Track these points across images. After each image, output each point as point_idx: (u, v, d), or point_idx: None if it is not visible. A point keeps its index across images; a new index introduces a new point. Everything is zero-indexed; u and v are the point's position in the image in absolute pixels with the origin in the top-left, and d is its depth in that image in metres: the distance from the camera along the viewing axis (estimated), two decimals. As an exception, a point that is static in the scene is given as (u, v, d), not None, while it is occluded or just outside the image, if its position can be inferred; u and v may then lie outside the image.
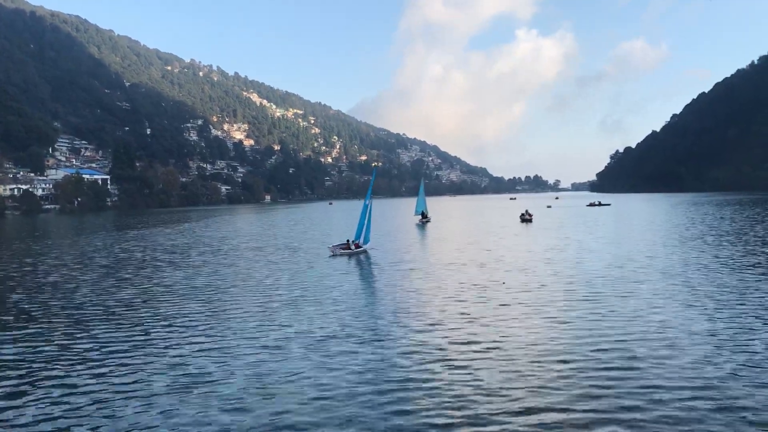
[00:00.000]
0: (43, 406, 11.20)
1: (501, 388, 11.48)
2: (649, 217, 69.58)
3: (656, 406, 10.43)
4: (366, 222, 37.82)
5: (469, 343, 14.73)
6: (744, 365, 12.46)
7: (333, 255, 35.90)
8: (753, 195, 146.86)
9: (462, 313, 18.06)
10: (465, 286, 23.00)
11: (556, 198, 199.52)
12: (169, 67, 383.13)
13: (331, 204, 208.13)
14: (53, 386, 12.28)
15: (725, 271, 24.70)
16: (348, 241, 38.23)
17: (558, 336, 15.17)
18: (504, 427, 9.75)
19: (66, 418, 10.63)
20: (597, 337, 14.88)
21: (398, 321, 17.34)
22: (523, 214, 69.65)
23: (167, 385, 12.14)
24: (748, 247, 33.66)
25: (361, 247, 37.13)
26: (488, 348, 14.24)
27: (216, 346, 15.04)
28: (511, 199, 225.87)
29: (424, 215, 74.84)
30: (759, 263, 26.72)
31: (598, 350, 13.78)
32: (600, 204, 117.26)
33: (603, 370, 12.33)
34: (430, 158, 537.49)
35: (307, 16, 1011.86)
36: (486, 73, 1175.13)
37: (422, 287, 23.36)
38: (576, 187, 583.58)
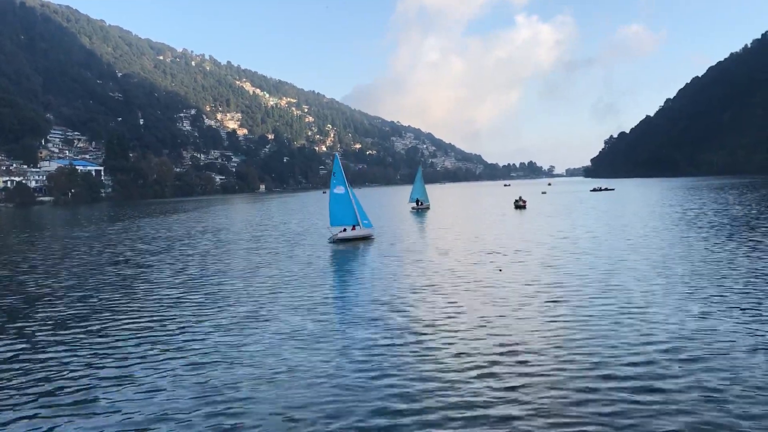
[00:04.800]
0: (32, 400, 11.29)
1: (501, 379, 11.60)
2: (652, 201, 69.76)
3: (653, 395, 10.56)
4: (355, 206, 37.53)
5: (467, 331, 14.85)
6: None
7: (332, 241, 36.05)
8: (748, 179, 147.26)
9: (462, 303, 18.14)
10: (462, 274, 23.12)
11: (549, 184, 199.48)
12: (161, 57, 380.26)
13: (324, 193, 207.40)
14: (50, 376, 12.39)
15: (742, 259, 24.82)
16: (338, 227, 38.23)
17: (554, 322, 15.31)
18: (505, 421, 9.86)
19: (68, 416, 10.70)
20: (588, 321, 15.05)
21: (394, 311, 17.43)
22: (516, 201, 69.78)
23: (165, 380, 12.23)
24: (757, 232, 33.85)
25: (363, 230, 37.18)
26: (486, 336, 14.37)
27: (211, 341, 15.12)
28: (505, 185, 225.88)
29: (418, 202, 75.07)
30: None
31: (593, 334, 13.95)
32: (604, 189, 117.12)
33: (597, 356, 12.48)
34: (425, 146, 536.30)
35: (300, 3, 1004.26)
36: (483, 58, 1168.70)
37: (418, 275, 23.44)
38: (570, 172, 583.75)
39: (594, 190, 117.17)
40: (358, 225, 37.43)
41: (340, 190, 37.65)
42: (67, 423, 10.02)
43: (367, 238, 36.95)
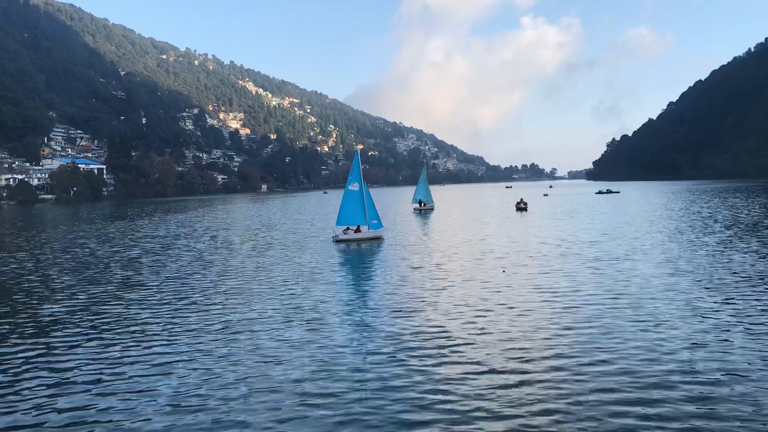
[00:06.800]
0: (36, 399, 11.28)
1: (501, 382, 11.58)
2: (660, 205, 69.65)
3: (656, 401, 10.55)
4: (366, 206, 37.43)
5: (471, 331, 14.84)
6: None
7: (335, 241, 36.08)
8: (751, 183, 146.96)
9: (466, 304, 18.16)
10: (466, 275, 23.14)
11: (550, 186, 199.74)
12: (164, 56, 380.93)
13: (325, 193, 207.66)
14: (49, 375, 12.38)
15: (742, 263, 24.71)
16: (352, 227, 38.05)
17: (559, 322, 15.30)
18: (505, 420, 9.84)
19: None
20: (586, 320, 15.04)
21: (398, 314, 17.43)
22: (518, 203, 69.77)
23: (165, 383, 12.22)
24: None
25: (369, 230, 37.13)
26: (489, 334, 14.36)
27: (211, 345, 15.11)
28: (507, 187, 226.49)
29: (421, 203, 75.26)
30: None
31: (590, 333, 13.93)
32: (608, 192, 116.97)
33: (597, 354, 12.46)
34: (427, 147, 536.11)
35: (303, 3, 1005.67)
36: (486, 59, 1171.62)
37: (422, 276, 23.43)
38: (573, 175, 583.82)
39: (599, 192, 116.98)
40: (365, 226, 37.29)
41: (354, 186, 37.44)
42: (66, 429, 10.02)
43: (374, 239, 36.82)
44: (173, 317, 17.15)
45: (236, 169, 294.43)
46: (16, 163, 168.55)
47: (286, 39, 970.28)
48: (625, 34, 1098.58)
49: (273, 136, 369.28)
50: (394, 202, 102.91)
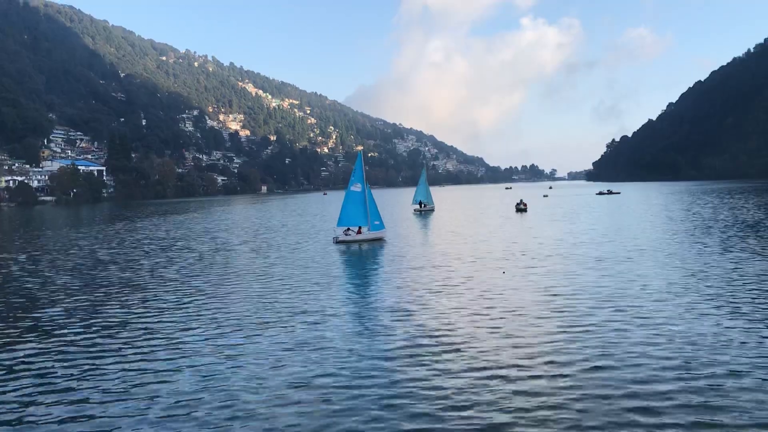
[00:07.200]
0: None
1: (501, 383, 11.58)
2: (662, 205, 69.66)
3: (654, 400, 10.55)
4: (368, 207, 37.47)
5: (471, 332, 14.83)
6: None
7: (336, 242, 36.12)
8: (751, 183, 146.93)
9: (465, 304, 18.16)
10: (466, 275, 23.13)
11: (550, 187, 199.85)
12: (164, 58, 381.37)
13: (325, 194, 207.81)
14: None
15: (745, 266, 24.72)
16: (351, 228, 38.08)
17: (558, 323, 15.30)
18: (503, 427, 9.84)
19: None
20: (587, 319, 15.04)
21: (397, 313, 17.42)
22: (518, 204, 69.79)
23: (163, 388, 12.22)
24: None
25: (370, 231, 37.12)
26: (489, 335, 14.36)
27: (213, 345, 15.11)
28: (506, 188, 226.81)
29: (421, 204, 75.30)
30: None
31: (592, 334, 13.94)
32: (609, 192, 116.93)
33: (596, 359, 12.46)
34: (427, 148, 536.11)
35: (303, 4, 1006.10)
36: (486, 60, 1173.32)
37: (423, 277, 23.41)
38: (572, 176, 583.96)
39: (600, 193, 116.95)
40: (367, 227, 37.33)
41: (357, 187, 37.47)
42: None
43: (374, 240, 36.84)
44: (172, 319, 17.15)
45: (236, 170, 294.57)
46: (16, 164, 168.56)
47: (286, 40, 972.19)
48: (624, 34, 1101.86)
49: (273, 138, 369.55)
50: (394, 204, 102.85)
